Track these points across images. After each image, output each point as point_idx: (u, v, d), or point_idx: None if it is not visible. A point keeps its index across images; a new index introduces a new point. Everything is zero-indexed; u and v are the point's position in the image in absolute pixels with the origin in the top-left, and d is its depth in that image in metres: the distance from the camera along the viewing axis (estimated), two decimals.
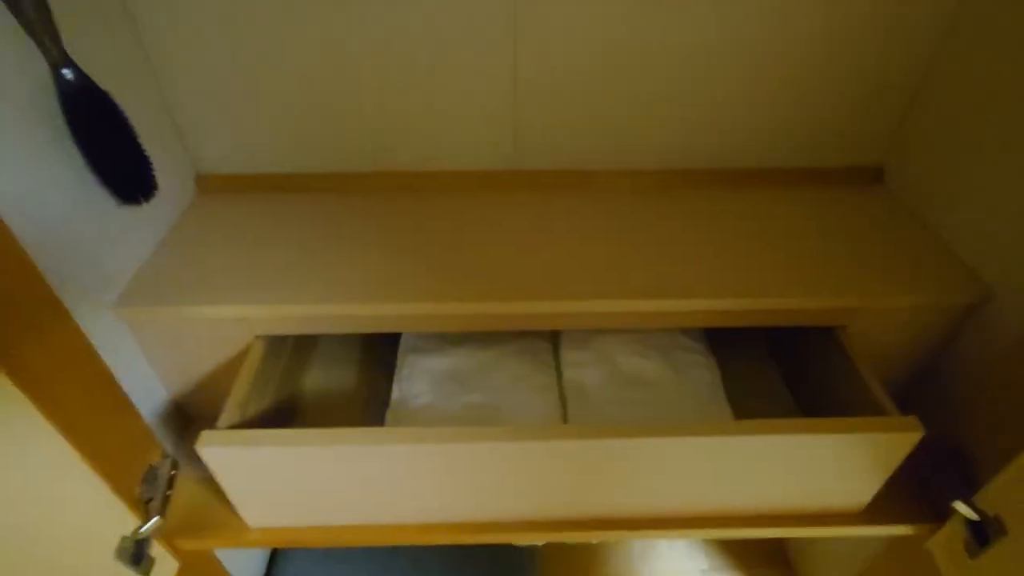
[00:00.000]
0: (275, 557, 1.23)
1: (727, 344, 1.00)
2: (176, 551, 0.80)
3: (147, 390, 0.86)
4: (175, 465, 0.82)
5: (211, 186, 1.00)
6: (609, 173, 1.01)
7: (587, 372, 0.93)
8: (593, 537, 0.84)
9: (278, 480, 0.73)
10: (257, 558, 1.20)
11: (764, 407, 0.94)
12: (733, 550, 1.39)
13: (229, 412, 0.75)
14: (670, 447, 0.70)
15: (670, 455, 0.71)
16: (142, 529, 0.72)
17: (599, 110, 0.94)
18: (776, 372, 1.01)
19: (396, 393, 0.90)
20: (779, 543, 1.39)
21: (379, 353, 1.01)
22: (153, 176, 0.77)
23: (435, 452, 0.69)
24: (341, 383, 0.99)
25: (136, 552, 0.71)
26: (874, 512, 0.81)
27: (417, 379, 0.91)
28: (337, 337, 1.07)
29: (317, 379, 1.00)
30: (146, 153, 0.75)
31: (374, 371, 0.99)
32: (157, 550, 0.75)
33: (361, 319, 0.82)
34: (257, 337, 0.85)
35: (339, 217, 0.94)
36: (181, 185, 0.97)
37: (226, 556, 1.02)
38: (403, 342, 0.98)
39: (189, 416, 0.95)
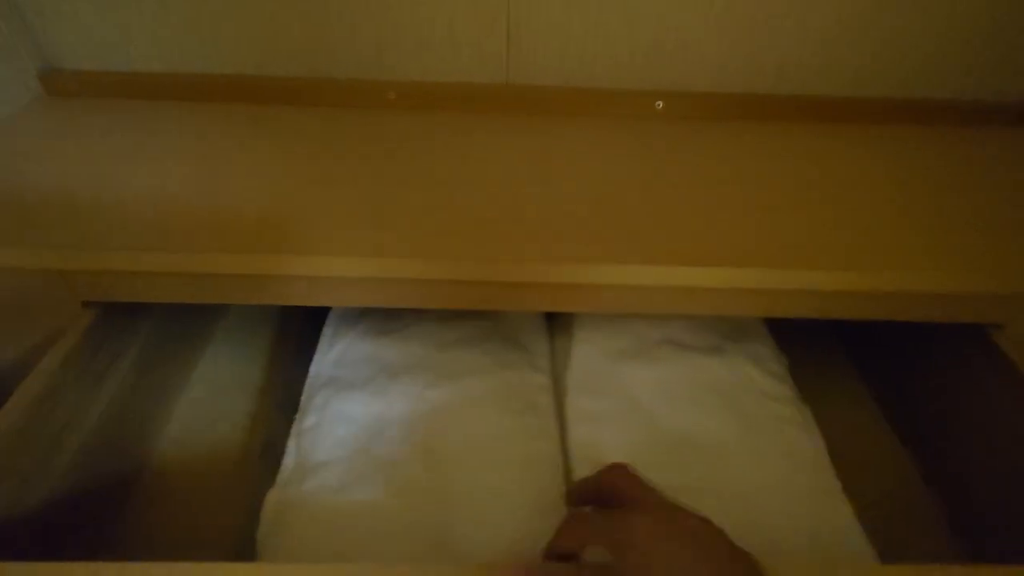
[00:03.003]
0: None
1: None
2: None
3: None
4: None
5: (65, 86, 0.72)
6: (638, 94, 0.72)
7: (607, 431, 0.57)
8: None
9: None
10: None
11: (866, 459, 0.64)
12: None
13: None
14: None
15: None
16: None
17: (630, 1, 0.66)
18: (865, 392, 0.72)
19: (290, 457, 0.55)
20: None
21: (305, 344, 0.67)
22: None
23: None
24: (234, 405, 0.66)
25: None
26: None
27: (328, 433, 0.56)
28: (245, 317, 0.75)
29: (202, 389, 0.68)
30: None
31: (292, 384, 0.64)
32: None
33: (254, 283, 0.52)
34: (85, 305, 0.54)
35: (244, 136, 0.66)
36: (14, 79, 0.70)
37: None
38: (315, 368, 0.63)
39: None
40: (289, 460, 0.54)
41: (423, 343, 0.63)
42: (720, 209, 0.57)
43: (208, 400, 0.67)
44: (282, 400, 0.65)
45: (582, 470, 0.55)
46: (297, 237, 0.51)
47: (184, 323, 0.69)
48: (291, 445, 0.55)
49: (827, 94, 0.72)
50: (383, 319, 0.65)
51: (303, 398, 0.59)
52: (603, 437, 0.57)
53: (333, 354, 0.63)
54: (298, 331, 0.74)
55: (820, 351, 0.76)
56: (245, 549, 0.51)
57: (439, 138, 0.66)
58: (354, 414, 0.56)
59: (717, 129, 0.70)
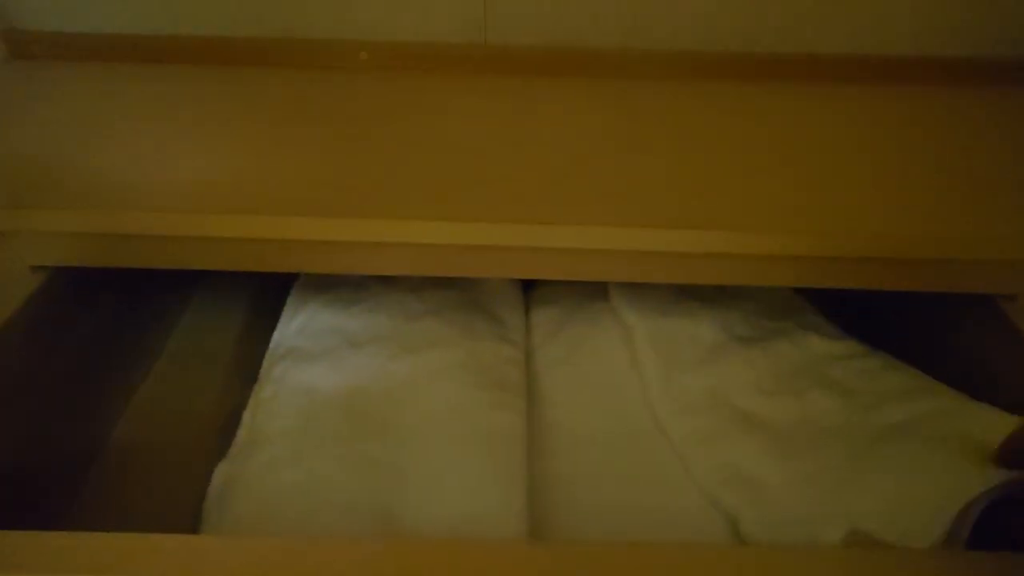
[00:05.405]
0: None
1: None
2: None
3: None
4: None
5: (29, 48, 0.69)
6: (622, 53, 0.69)
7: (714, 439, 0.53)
8: None
9: None
10: None
11: None
12: None
13: None
14: None
15: None
16: None
17: None
18: None
19: (244, 429, 0.53)
20: None
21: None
22: None
23: None
24: (204, 377, 0.64)
25: None
26: None
27: (284, 404, 0.53)
28: (221, 288, 0.74)
29: (173, 360, 0.66)
30: None
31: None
32: None
33: (213, 245, 0.50)
34: (35, 270, 0.51)
35: (210, 97, 0.64)
36: None
37: None
38: (277, 337, 0.60)
39: None
40: (242, 432, 0.52)
41: (390, 314, 0.60)
42: (706, 171, 0.54)
43: (178, 371, 0.65)
44: (253, 372, 0.62)
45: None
46: (263, 199, 0.49)
47: (156, 292, 0.68)
48: (246, 417, 0.53)
49: (827, 52, 0.68)
50: (351, 289, 0.63)
51: (263, 368, 0.57)
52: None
53: (296, 323, 0.60)
54: (274, 302, 0.71)
55: None
56: None
57: (411, 100, 0.63)
58: (313, 386, 0.54)
59: (707, 89, 0.67)
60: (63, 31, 0.67)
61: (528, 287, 0.68)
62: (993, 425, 0.43)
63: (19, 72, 0.66)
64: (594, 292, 0.65)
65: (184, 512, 0.52)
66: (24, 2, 0.66)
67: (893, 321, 0.66)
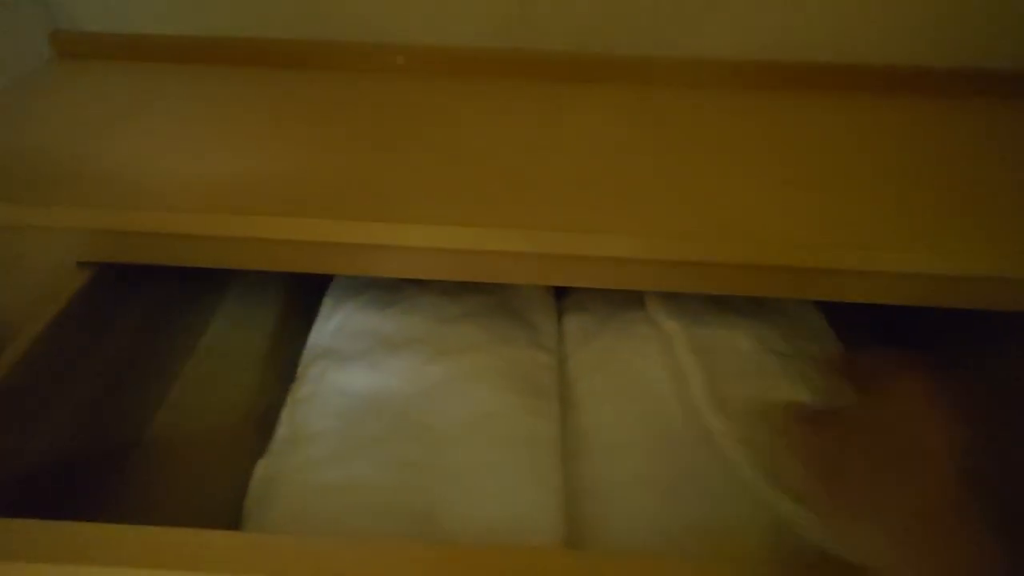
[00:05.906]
0: None
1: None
2: None
3: None
4: None
5: (75, 48, 0.71)
6: (657, 61, 0.69)
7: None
8: None
9: None
10: None
11: None
12: None
13: None
14: None
15: None
16: None
17: None
18: None
19: (283, 428, 0.53)
20: None
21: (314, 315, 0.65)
22: None
23: None
24: (239, 374, 0.65)
25: None
26: None
27: (322, 404, 0.54)
28: (255, 287, 0.75)
29: (208, 357, 0.67)
30: None
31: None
32: None
33: (251, 246, 0.50)
34: (81, 266, 0.53)
35: (250, 99, 0.65)
36: (22, 42, 0.69)
37: None
38: (314, 338, 0.61)
39: None
40: (281, 431, 0.53)
41: (425, 317, 0.61)
42: (733, 181, 0.54)
43: (213, 368, 0.67)
44: (287, 371, 0.63)
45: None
46: (299, 201, 0.49)
47: (192, 290, 0.69)
48: (284, 415, 0.54)
49: (887, 63, 0.68)
50: (386, 291, 0.64)
51: (300, 368, 0.58)
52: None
53: (332, 325, 0.61)
54: (307, 302, 0.73)
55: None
56: (240, 518, 0.50)
57: (445, 104, 0.64)
58: (350, 387, 0.55)
59: (739, 98, 0.67)
60: (108, 32, 0.68)
61: (561, 293, 0.68)
62: None
63: (66, 71, 0.67)
64: (626, 299, 0.64)
65: (219, 506, 0.53)
66: (70, 4, 0.67)
67: (926, 337, 0.65)
